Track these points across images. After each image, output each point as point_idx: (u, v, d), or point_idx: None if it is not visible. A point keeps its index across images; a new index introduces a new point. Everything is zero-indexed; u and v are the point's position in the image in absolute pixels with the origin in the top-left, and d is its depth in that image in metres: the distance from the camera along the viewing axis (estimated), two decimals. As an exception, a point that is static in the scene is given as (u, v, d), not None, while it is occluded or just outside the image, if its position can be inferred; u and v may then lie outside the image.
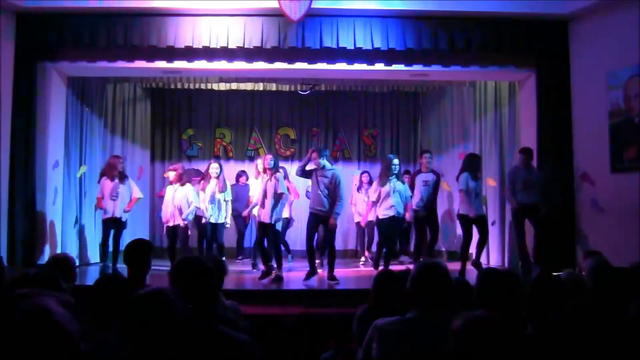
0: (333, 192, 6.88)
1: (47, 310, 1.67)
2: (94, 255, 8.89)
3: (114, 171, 7.83)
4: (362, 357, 2.70)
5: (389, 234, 7.56)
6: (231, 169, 10.02)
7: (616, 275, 3.19)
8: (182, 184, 7.86)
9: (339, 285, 6.80)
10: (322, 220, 7.02)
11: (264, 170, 7.35)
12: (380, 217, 7.49)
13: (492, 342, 1.97)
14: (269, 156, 7.44)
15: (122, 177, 7.89)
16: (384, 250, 7.68)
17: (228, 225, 8.46)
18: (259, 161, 7.95)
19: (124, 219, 7.92)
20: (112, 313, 2.52)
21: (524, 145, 7.74)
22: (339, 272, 7.29)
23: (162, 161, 10.81)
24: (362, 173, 9.62)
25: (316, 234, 7.46)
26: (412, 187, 8.03)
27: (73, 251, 8.18)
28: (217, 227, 8.00)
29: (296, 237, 9.87)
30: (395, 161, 7.55)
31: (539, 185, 7.29)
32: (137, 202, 8.19)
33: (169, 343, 2.16)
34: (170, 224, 7.85)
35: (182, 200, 7.76)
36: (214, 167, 7.96)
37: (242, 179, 9.58)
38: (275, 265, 7.20)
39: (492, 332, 1.98)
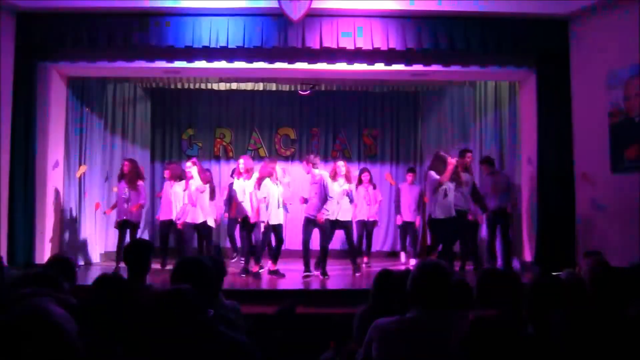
0: (322, 191, 7.39)
1: (46, 311, 1.67)
2: (94, 255, 8.88)
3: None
4: (362, 357, 2.70)
5: (448, 234, 7.20)
6: (231, 169, 10.00)
7: (615, 276, 3.19)
8: (177, 181, 7.95)
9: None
10: (315, 223, 7.47)
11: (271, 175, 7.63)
12: (441, 217, 7.00)
13: (503, 342, 1.96)
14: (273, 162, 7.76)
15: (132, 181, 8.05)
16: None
17: (213, 225, 8.52)
18: (241, 161, 7.90)
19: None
20: (110, 312, 2.52)
21: (485, 155, 8.38)
22: (339, 271, 7.36)
23: (162, 161, 10.79)
24: (362, 171, 9.27)
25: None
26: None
27: (72, 251, 8.19)
28: (200, 228, 8.05)
29: (294, 237, 9.86)
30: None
31: (506, 188, 7.84)
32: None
33: (170, 344, 2.16)
34: (162, 218, 8.15)
35: (177, 197, 7.89)
36: (187, 166, 7.94)
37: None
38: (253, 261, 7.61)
39: (502, 332, 1.98)
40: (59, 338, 1.62)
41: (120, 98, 10.06)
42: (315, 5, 7.03)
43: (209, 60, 7.59)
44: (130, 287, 3.32)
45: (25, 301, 2.01)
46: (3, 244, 7.05)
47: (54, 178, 7.88)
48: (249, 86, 9.94)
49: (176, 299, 2.22)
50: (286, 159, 10.99)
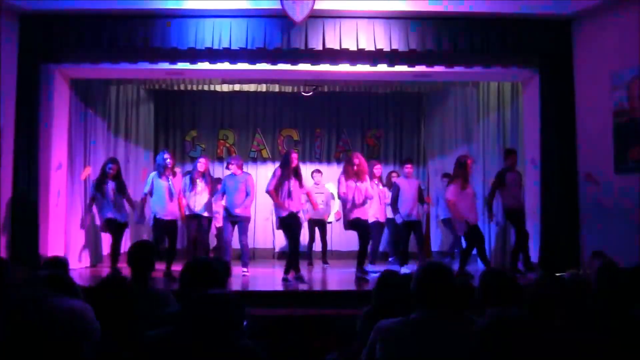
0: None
1: (68, 310, 1.67)
2: (98, 256, 8.88)
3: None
4: (366, 359, 2.70)
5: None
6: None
7: (623, 277, 3.17)
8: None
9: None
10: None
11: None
12: None
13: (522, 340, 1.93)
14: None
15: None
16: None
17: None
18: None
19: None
20: (114, 313, 2.52)
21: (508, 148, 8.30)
22: (341, 273, 7.33)
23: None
24: (373, 165, 8.47)
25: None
26: (502, 186, 7.71)
27: (75, 254, 8.21)
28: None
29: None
30: None
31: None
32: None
33: (177, 346, 2.15)
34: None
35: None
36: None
37: (232, 167, 8.13)
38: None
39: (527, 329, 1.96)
40: (77, 337, 1.62)
41: (123, 100, 10.07)
42: (318, 6, 7.03)
43: (212, 61, 7.59)
44: (132, 289, 3.33)
45: (45, 302, 2.00)
46: (5, 245, 7.06)
47: (58, 180, 7.88)
48: (251, 87, 9.95)
49: (225, 304, 2.19)
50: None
